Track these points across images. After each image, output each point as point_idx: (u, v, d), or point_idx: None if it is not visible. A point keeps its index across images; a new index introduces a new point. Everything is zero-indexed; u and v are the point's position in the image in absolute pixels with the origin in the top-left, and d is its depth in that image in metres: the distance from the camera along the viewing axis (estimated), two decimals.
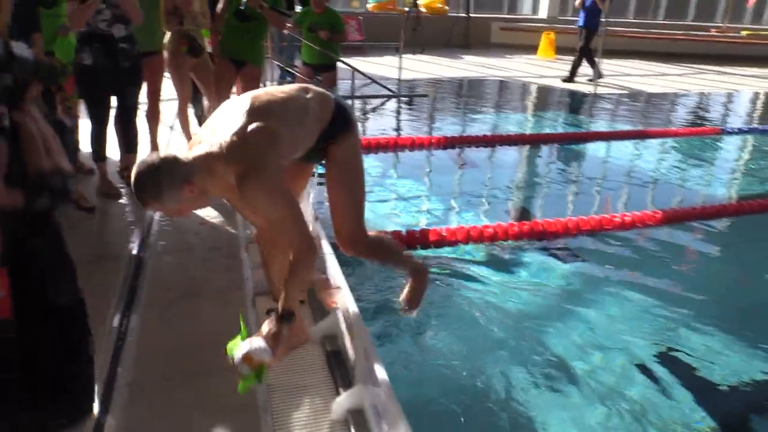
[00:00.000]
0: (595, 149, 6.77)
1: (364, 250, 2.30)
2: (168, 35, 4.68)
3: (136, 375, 2.32)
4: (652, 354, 2.94)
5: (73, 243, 3.33)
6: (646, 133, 7.26)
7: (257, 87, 4.66)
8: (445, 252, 3.83)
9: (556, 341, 3.00)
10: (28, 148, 0.69)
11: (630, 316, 3.24)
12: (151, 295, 2.90)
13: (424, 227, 4.08)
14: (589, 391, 2.66)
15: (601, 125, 7.76)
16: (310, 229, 2.24)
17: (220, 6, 4.60)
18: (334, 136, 2.08)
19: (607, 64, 10.47)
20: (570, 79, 10.22)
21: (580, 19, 10.15)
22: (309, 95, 2.05)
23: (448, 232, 3.88)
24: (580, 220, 4.20)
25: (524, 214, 4.78)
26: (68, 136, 0.77)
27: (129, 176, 4.13)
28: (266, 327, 1.83)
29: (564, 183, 5.62)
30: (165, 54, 4.61)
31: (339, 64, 6.58)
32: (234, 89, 4.87)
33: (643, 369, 2.82)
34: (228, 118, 1.87)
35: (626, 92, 9.88)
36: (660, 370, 2.82)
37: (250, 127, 1.82)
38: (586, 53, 10.08)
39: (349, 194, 2.18)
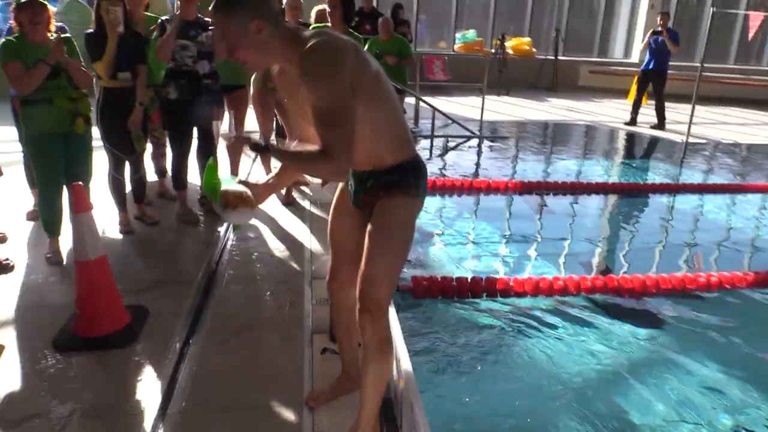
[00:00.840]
0: (684, 202, 6.40)
1: (369, 324, 1.89)
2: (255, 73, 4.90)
3: (189, 402, 2.36)
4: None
5: (147, 265, 3.53)
6: (743, 188, 6.80)
7: None
8: (512, 301, 3.70)
9: (622, 409, 2.80)
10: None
11: (709, 390, 2.97)
12: (214, 322, 2.98)
13: (492, 275, 3.97)
14: None
15: (692, 176, 7.35)
16: None
17: None
18: (398, 185, 1.93)
19: (702, 112, 9.96)
20: (662, 125, 9.82)
21: (651, 62, 9.72)
22: (405, 124, 2.00)
23: (516, 282, 3.75)
24: (660, 277, 3.94)
25: (600, 267, 4.55)
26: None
27: (207, 204, 4.36)
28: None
29: (647, 236, 5.32)
30: (251, 88, 4.81)
31: (419, 102, 6.63)
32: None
33: None
34: None
35: (722, 142, 9.34)
36: None
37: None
38: (661, 97, 9.72)
39: (384, 256, 1.92)
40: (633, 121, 10.02)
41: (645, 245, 5.13)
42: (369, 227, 1.95)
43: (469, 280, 3.76)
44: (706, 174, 7.56)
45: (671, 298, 3.86)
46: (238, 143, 2.03)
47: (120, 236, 3.96)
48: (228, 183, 2.07)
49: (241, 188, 2.03)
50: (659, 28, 9.63)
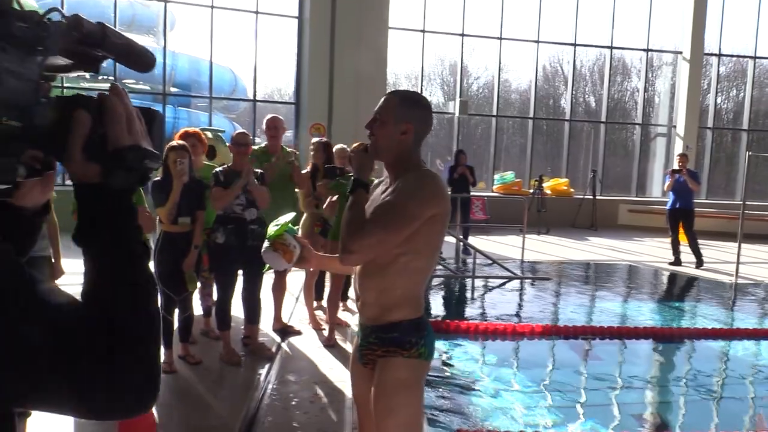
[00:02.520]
0: (739, 349, 6.10)
1: None
2: (304, 216, 5.15)
3: None
4: None
5: (188, 409, 3.51)
6: None
7: None
8: None
9: None
10: (110, 122, 0.71)
11: None
12: None
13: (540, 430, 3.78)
14: None
15: (745, 321, 7.07)
16: None
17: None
18: (397, 344, 1.98)
19: (747, 250, 9.77)
20: (700, 263, 9.67)
21: (676, 201, 9.71)
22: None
23: None
24: None
25: (656, 422, 4.30)
26: (158, 125, 0.81)
27: (250, 344, 4.40)
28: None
29: (700, 387, 5.04)
30: (299, 233, 5.03)
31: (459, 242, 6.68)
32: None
33: None
34: None
35: None
36: None
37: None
38: (693, 235, 9.71)
39: (391, 418, 1.94)
40: (677, 262, 9.88)
41: (700, 397, 4.85)
42: (372, 389, 1.99)
43: None
44: (761, 317, 7.27)
45: None
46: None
47: (163, 377, 3.98)
48: (287, 231, 2.28)
49: (293, 241, 2.24)
50: (678, 167, 9.76)
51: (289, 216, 2.38)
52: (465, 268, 8.96)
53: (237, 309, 4.44)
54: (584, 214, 13.81)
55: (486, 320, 6.32)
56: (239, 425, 3.35)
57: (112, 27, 0.79)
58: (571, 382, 4.94)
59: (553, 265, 9.76)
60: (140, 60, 0.83)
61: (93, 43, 0.76)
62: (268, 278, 5.17)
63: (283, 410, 3.64)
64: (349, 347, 4.79)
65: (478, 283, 8.36)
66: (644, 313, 7.33)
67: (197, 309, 5.08)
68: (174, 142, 4.10)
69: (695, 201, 9.84)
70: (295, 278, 5.58)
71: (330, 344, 4.77)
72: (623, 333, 6.17)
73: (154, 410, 2.98)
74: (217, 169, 4.31)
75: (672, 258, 9.94)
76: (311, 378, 4.13)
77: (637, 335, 6.24)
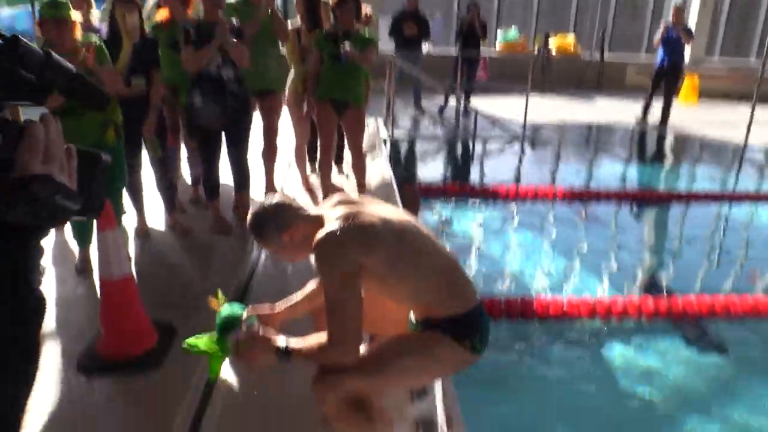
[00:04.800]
0: (744, 213, 5.96)
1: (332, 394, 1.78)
2: (291, 74, 4.72)
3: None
4: None
5: (178, 278, 3.37)
6: None
7: (362, 129, 4.50)
8: (555, 324, 3.42)
9: None
10: (25, 149, 0.62)
11: None
12: None
13: (542, 295, 3.69)
14: None
15: (752, 183, 6.88)
16: None
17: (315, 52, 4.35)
18: (445, 330, 1.79)
19: (762, 113, 9.38)
20: (665, 124, 9.40)
21: (665, 58, 9.11)
22: (456, 272, 1.86)
23: (569, 305, 3.46)
24: (729, 300, 3.59)
25: (656, 286, 4.22)
26: (101, 170, 0.72)
27: (241, 212, 4.19)
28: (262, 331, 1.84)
29: (708, 252, 4.94)
30: (285, 93, 4.64)
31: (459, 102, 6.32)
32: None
33: None
34: (370, 207, 1.85)
35: None
36: None
37: (365, 221, 1.74)
38: (672, 96, 9.31)
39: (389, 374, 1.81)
40: (644, 118, 9.54)
41: (705, 262, 4.76)
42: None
43: (519, 301, 3.48)
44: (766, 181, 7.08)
45: (740, 324, 3.51)
46: (260, 343, 1.82)
47: (152, 247, 3.82)
48: (234, 314, 1.95)
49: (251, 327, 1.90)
50: (672, 22, 9.03)
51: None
52: (466, 129, 8.62)
53: (228, 177, 4.19)
54: (591, 75, 13.19)
55: (487, 182, 6.12)
56: (231, 294, 3.22)
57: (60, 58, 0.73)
58: (575, 246, 4.82)
59: (557, 127, 9.42)
60: (91, 101, 0.79)
61: (31, 71, 0.69)
62: (257, 144, 4.87)
63: (277, 278, 3.51)
64: None
65: (479, 146, 8.07)
66: (647, 175, 7.14)
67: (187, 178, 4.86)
68: None
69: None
70: (286, 143, 5.26)
71: None
72: (627, 196, 5.99)
73: (137, 280, 2.82)
74: (185, 24, 3.81)
75: (640, 116, 9.56)
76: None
77: (642, 198, 6.08)
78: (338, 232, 1.70)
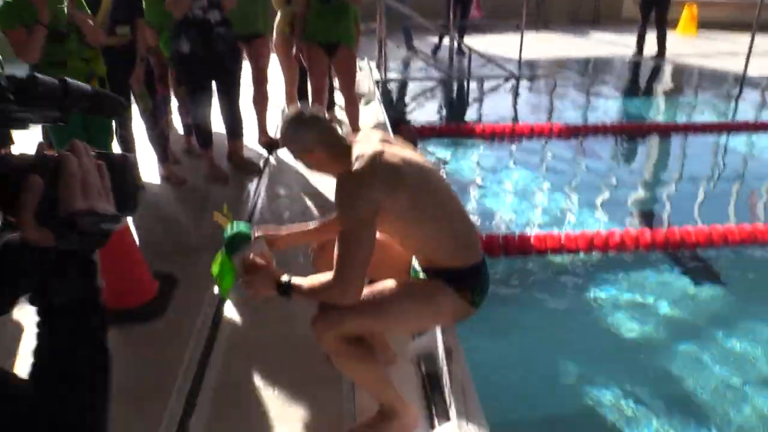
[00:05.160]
0: (742, 143, 5.91)
1: (333, 337, 1.75)
2: (278, 16, 4.58)
3: (220, 382, 2.21)
4: None
5: (176, 228, 3.36)
6: None
7: (354, 70, 4.39)
8: (553, 258, 3.44)
9: (676, 374, 2.59)
10: (64, 186, 0.66)
11: None
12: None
13: (540, 230, 3.70)
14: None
15: (751, 114, 6.81)
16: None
17: None
18: (445, 279, 1.78)
19: (762, 42, 9.19)
20: (662, 54, 9.27)
21: None
22: (467, 225, 1.85)
23: (567, 239, 3.47)
24: (728, 229, 3.61)
25: (652, 218, 4.23)
26: (129, 171, 0.76)
27: (235, 160, 4.15)
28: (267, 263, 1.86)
29: (703, 183, 4.93)
30: (273, 36, 4.52)
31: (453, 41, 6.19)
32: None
33: None
34: (394, 147, 1.83)
35: None
36: None
37: (389, 161, 1.72)
38: (664, 24, 9.08)
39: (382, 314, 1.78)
40: (640, 52, 9.38)
41: (702, 192, 4.75)
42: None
43: (517, 237, 3.49)
44: (765, 111, 7.00)
45: (736, 253, 3.54)
46: (263, 272, 1.81)
47: (147, 199, 3.80)
48: (240, 235, 1.93)
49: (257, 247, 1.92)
50: None
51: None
52: (460, 69, 8.46)
53: (221, 125, 4.13)
54: (586, 8, 12.87)
55: (483, 121, 6.05)
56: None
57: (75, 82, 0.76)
58: (572, 182, 4.81)
59: (553, 63, 9.25)
60: (110, 111, 0.82)
61: (51, 104, 0.73)
62: (248, 91, 4.78)
63: (276, 211, 3.51)
64: None
65: (473, 85, 7.95)
66: (645, 108, 7.06)
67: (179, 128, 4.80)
68: None
69: None
70: (277, 88, 5.16)
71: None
72: (624, 130, 5.94)
73: (134, 233, 2.81)
74: None
75: (635, 49, 9.38)
76: (302, 190, 3.95)
77: (640, 132, 6.02)
78: (365, 169, 1.68)
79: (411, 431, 1.89)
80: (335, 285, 1.67)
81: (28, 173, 0.66)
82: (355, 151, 1.76)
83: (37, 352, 0.73)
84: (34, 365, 0.72)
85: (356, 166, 1.70)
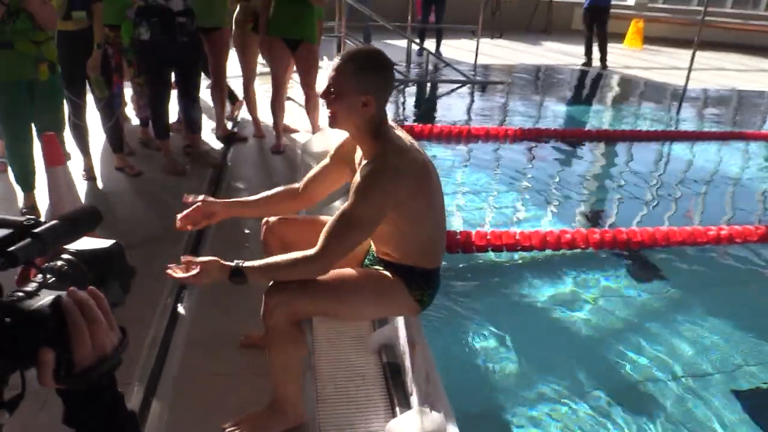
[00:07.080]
0: (683, 151, 6.23)
1: (275, 318, 1.70)
2: (236, 10, 4.55)
3: (181, 368, 2.20)
4: (732, 390, 2.59)
5: (132, 220, 3.29)
6: (743, 135, 6.63)
7: (315, 67, 4.40)
8: (508, 255, 3.56)
9: (621, 366, 2.73)
10: (74, 344, 0.65)
11: (711, 347, 2.87)
12: None
13: (495, 228, 3.81)
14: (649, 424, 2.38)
15: (691, 124, 7.16)
16: None
17: None
18: (400, 275, 1.82)
19: (701, 57, 9.68)
20: (604, 64, 9.63)
21: None
22: (442, 231, 1.92)
23: (522, 236, 3.58)
24: (670, 230, 3.80)
25: (601, 219, 4.41)
26: (117, 264, 0.79)
27: (193, 153, 4.09)
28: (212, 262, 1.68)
29: (647, 187, 5.16)
30: (233, 30, 4.49)
31: (414, 47, 6.28)
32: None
33: (722, 408, 2.47)
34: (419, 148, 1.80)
35: (720, 88, 9.12)
36: (741, 412, 2.46)
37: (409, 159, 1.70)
38: (605, 35, 9.47)
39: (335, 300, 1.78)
40: (588, 63, 9.77)
41: (645, 196, 4.97)
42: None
43: (473, 234, 3.58)
44: (704, 121, 7.38)
45: (676, 252, 3.73)
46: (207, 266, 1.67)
47: (102, 189, 3.71)
48: None
49: None
50: None
51: None
52: (419, 71, 8.56)
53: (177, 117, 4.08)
54: (539, 18, 13.23)
55: (439, 123, 6.15)
56: (187, 237, 3.18)
57: (50, 230, 0.70)
58: (523, 184, 4.96)
59: (506, 69, 9.47)
60: (89, 225, 0.78)
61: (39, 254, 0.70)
62: (207, 81, 4.72)
63: (235, 222, 3.47)
64: (297, 152, 4.54)
65: (429, 89, 8.06)
66: (592, 116, 7.33)
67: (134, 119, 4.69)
68: None
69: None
70: (237, 82, 5.11)
71: (278, 150, 4.51)
72: (574, 136, 6.16)
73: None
74: None
75: (584, 59, 9.76)
76: (260, 185, 3.92)
77: (590, 138, 6.26)
78: (401, 168, 1.66)
79: (293, 426, 1.87)
80: (317, 259, 1.63)
81: (40, 322, 0.64)
82: (394, 138, 1.71)
83: None
84: None
85: (393, 158, 1.66)
